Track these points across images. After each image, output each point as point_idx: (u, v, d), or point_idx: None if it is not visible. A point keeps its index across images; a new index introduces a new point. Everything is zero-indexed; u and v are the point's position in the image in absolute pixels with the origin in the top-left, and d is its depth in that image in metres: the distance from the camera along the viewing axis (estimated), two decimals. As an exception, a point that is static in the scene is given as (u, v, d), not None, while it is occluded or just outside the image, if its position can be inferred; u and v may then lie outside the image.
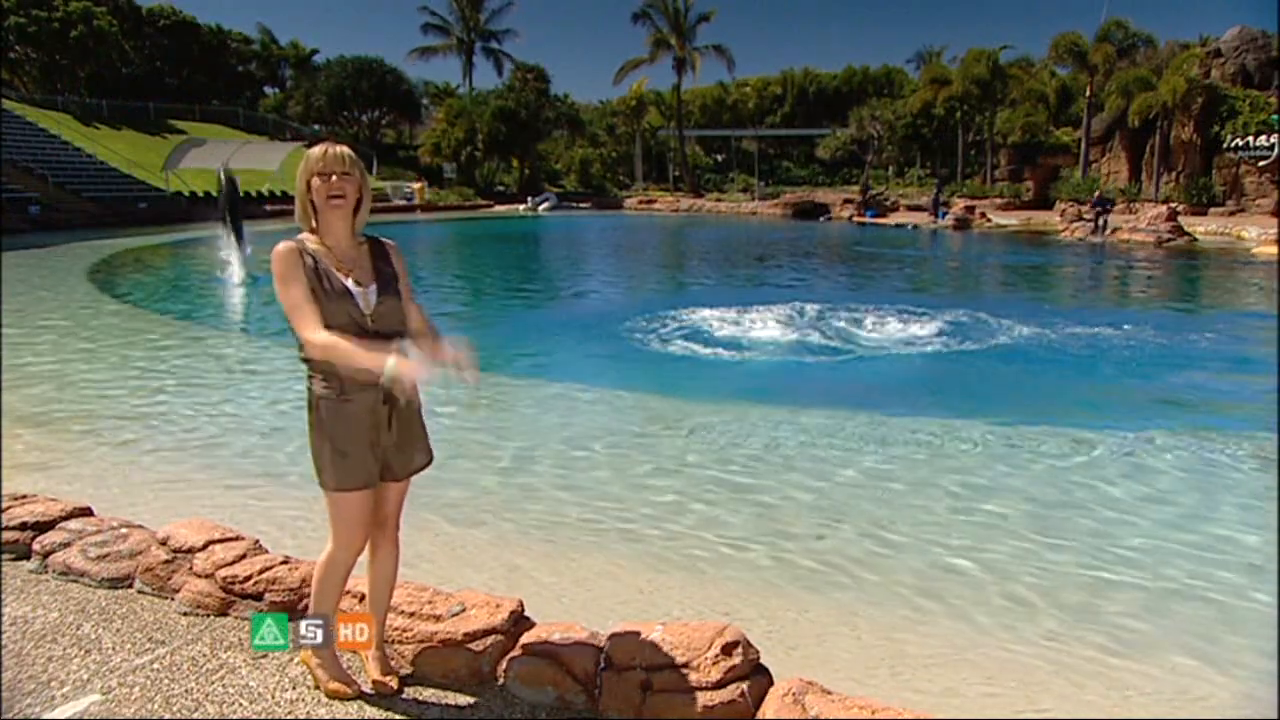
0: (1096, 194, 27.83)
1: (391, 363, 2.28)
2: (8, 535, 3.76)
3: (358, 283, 2.48)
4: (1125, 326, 11.55)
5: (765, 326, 11.16)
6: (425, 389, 2.66)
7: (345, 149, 2.48)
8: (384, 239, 2.64)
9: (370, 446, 2.51)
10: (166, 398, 7.84)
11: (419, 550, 4.31)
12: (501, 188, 52.90)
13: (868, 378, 8.81)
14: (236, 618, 3.18)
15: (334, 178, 2.44)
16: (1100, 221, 26.46)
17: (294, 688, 2.72)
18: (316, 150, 2.46)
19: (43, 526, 3.79)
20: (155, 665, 2.85)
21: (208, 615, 3.20)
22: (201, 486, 5.46)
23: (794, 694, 2.46)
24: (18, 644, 2.99)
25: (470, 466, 5.89)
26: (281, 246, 2.45)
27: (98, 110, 45.64)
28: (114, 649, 2.96)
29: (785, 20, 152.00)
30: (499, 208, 46.09)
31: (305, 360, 2.49)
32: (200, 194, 37.75)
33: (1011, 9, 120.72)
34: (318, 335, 2.36)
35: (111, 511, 4.19)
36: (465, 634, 2.80)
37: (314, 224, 2.49)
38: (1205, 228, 27.08)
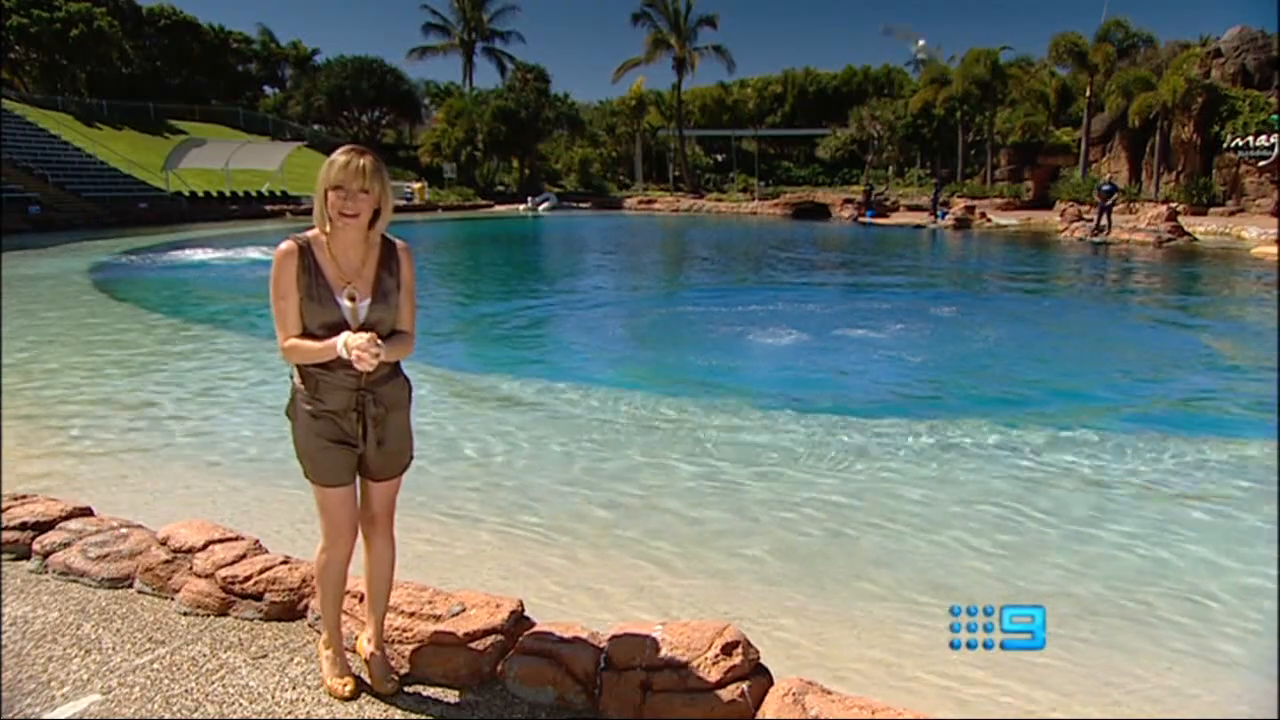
0: (1108, 177, 27.55)
1: (343, 339, 2.34)
2: (8, 535, 3.76)
3: (351, 296, 2.45)
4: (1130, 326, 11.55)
5: (765, 327, 11.16)
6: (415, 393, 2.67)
7: (367, 161, 2.38)
8: (398, 241, 2.60)
9: (342, 446, 2.51)
10: (167, 397, 7.84)
11: (418, 550, 4.31)
12: (501, 188, 52.89)
13: (870, 379, 8.81)
14: (236, 618, 3.18)
15: (349, 196, 2.39)
16: (1104, 220, 26.42)
17: (294, 688, 2.72)
18: (339, 160, 2.38)
19: (43, 526, 3.79)
20: (155, 665, 2.85)
21: (208, 615, 3.20)
22: (201, 486, 5.46)
23: (794, 694, 2.46)
24: (18, 644, 2.99)
25: (469, 466, 5.89)
26: (283, 246, 2.44)
27: (98, 110, 45.67)
28: (114, 649, 2.96)
29: (785, 20, 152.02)
30: (499, 208, 46.07)
31: None
32: (201, 194, 37.83)
33: (1011, 9, 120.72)
34: (286, 343, 2.43)
35: (111, 511, 4.19)
36: (465, 634, 2.80)
37: (328, 229, 2.47)
38: (1205, 228, 27.03)
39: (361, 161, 2.38)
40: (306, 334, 2.45)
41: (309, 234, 2.49)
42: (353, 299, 2.45)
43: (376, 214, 2.47)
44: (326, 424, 2.49)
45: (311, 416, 2.49)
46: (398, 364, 2.61)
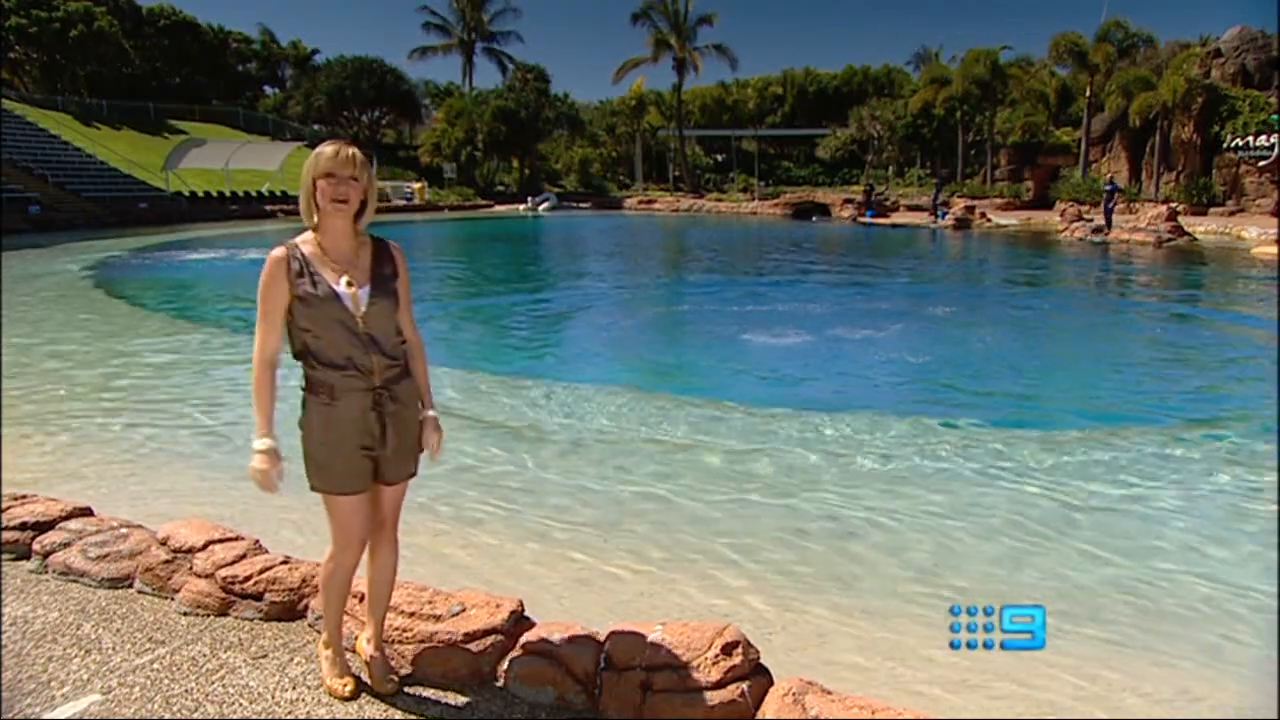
0: (1109, 176, 27.81)
1: (258, 452, 2.42)
2: (8, 535, 3.76)
3: (350, 284, 2.46)
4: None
5: (766, 327, 11.16)
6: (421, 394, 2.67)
7: (355, 151, 2.47)
8: (390, 241, 2.63)
9: (359, 451, 2.50)
10: (167, 397, 7.84)
11: (419, 550, 4.31)
12: (501, 188, 52.89)
13: (870, 379, 8.81)
14: (236, 618, 3.18)
15: (340, 182, 2.43)
16: (1110, 212, 26.67)
17: (294, 688, 2.72)
18: (327, 150, 2.44)
19: (43, 526, 3.79)
20: (155, 665, 2.85)
21: (208, 615, 3.20)
22: (202, 486, 5.46)
23: (794, 694, 2.46)
24: (18, 644, 2.99)
25: (469, 466, 5.89)
26: (273, 253, 2.46)
27: (98, 110, 45.68)
28: (114, 649, 2.96)
29: (785, 20, 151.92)
30: (499, 208, 46.09)
31: (297, 356, 2.51)
32: (201, 194, 37.83)
33: (1011, 9, 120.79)
34: (257, 362, 2.47)
35: (111, 511, 4.19)
36: (465, 634, 2.80)
37: (315, 221, 2.49)
38: (1205, 227, 27.04)
39: (350, 151, 2.45)
40: (311, 339, 2.45)
41: (297, 239, 2.51)
42: (351, 285, 2.46)
43: (363, 206, 2.50)
44: (345, 429, 2.48)
45: (328, 424, 2.48)
46: (407, 364, 2.61)
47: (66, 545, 3.64)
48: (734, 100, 60.09)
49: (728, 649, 2.58)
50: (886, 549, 4.61)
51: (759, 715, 2.48)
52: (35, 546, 3.68)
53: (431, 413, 2.64)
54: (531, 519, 5.01)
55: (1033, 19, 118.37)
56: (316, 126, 54.30)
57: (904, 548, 4.62)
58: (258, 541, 3.55)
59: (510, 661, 2.76)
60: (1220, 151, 32.85)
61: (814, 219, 38.50)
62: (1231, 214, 31.08)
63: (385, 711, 2.61)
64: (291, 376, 2.60)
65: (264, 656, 2.91)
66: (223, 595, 3.22)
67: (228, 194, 38.63)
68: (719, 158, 62.07)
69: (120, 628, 3.12)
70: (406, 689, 2.72)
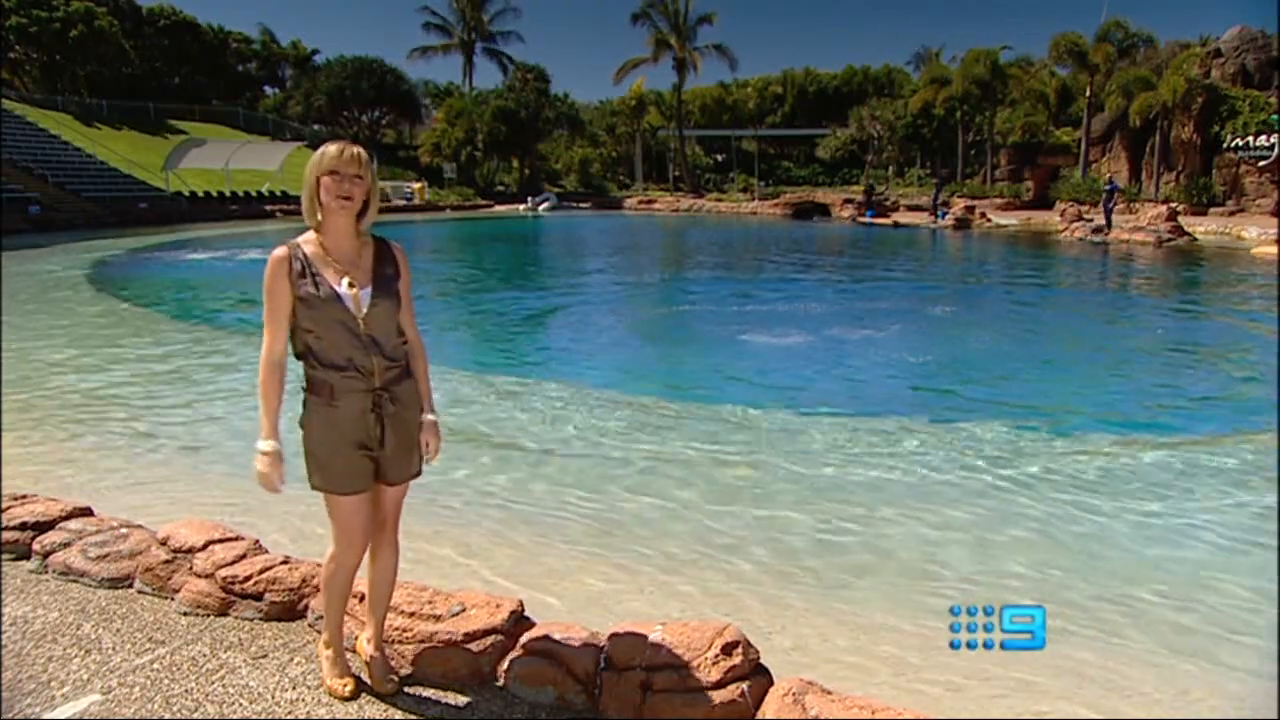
0: (1108, 176, 27.92)
1: (262, 454, 2.44)
2: (8, 535, 3.76)
3: (352, 284, 2.46)
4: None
5: (766, 327, 11.16)
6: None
7: (360, 150, 2.47)
8: (391, 241, 2.62)
9: (359, 450, 2.50)
10: (167, 397, 7.84)
11: (419, 550, 4.31)
12: (501, 188, 52.91)
13: (870, 380, 8.80)
14: (236, 618, 3.18)
15: (344, 180, 2.43)
16: (1109, 212, 26.76)
17: (294, 688, 2.72)
18: (332, 148, 2.44)
19: (43, 526, 3.79)
20: (155, 665, 2.85)
21: (208, 615, 3.20)
22: (201, 486, 5.46)
23: (794, 694, 2.46)
24: (18, 644, 2.99)
25: (470, 467, 5.89)
26: (274, 253, 2.46)
27: (98, 110, 45.69)
28: (114, 649, 2.96)
29: (785, 20, 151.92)
30: (499, 208, 46.10)
31: (299, 356, 2.51)
32: (201, 194, 37.84)
33: (1011, 9, 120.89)
34: (264, 363, 2.47)
35: (111, 511, 4.19)
36: (465, 634, 2.80)
37: (318, 220, 2.49)
38: (1205, 228, 27.04)
39: (355, 150, 2.46)
40: (312, 339, 2.45)
41: (299, 239, 2.51)
42: (353, 286, 2.46)
43: (365, 206, 2.50)
44: (344, 430, 2.48)
45: (328, 424, 2.48)
46: (408, 365, 2.61)
47: (66, 545, 3.64)
48: (734, 100, 60.09)
49: (728, 649, 2.58)
50: (887, 550, 4.61)
51: (759, 715, 2.48)
52: (35, 546, 3.68)
53: (431, 417, 2.64)
54: (532, 519, 5.00)
55: (1033, 19, 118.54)
56: (316, 126, 54.31)
57: (904, 549, 4.62)
58: (258, 541, 3.55)
59: (510, 661, 2.76)
60: (1220, 151, 32.86)
61: (814, 219, 38.53)
62: (1231, 214, 31.08)
63: (385, 711, 2.61)
64: (296, 377, 2.60)
65: (264, 656, 2.91)
66: (223, 595, 3.22)
67: (228, 194, 38.64)
68: (719, 158, 62.07)
69: (120, 628, 3.12)
70: (406, 689, 2.72)
